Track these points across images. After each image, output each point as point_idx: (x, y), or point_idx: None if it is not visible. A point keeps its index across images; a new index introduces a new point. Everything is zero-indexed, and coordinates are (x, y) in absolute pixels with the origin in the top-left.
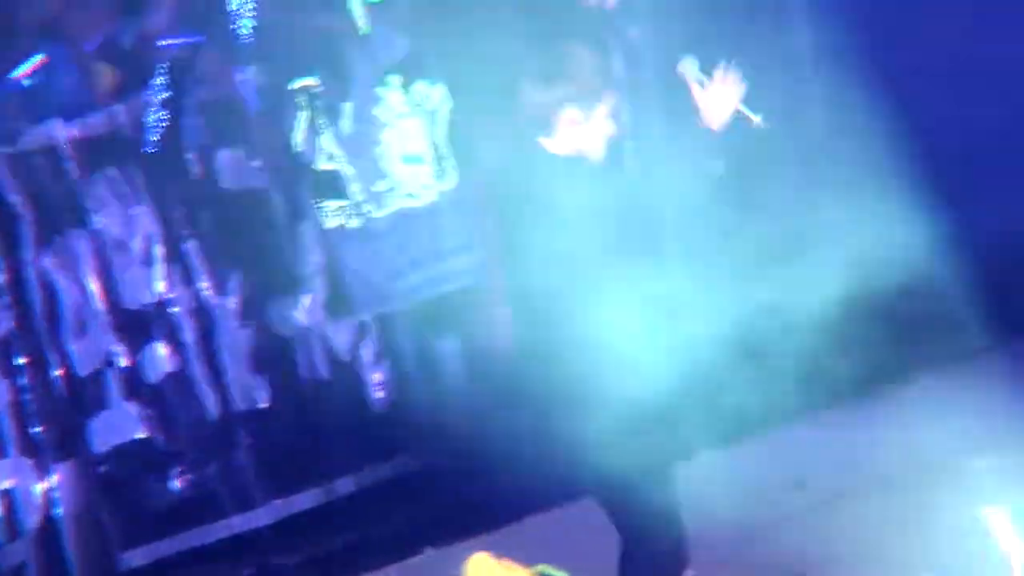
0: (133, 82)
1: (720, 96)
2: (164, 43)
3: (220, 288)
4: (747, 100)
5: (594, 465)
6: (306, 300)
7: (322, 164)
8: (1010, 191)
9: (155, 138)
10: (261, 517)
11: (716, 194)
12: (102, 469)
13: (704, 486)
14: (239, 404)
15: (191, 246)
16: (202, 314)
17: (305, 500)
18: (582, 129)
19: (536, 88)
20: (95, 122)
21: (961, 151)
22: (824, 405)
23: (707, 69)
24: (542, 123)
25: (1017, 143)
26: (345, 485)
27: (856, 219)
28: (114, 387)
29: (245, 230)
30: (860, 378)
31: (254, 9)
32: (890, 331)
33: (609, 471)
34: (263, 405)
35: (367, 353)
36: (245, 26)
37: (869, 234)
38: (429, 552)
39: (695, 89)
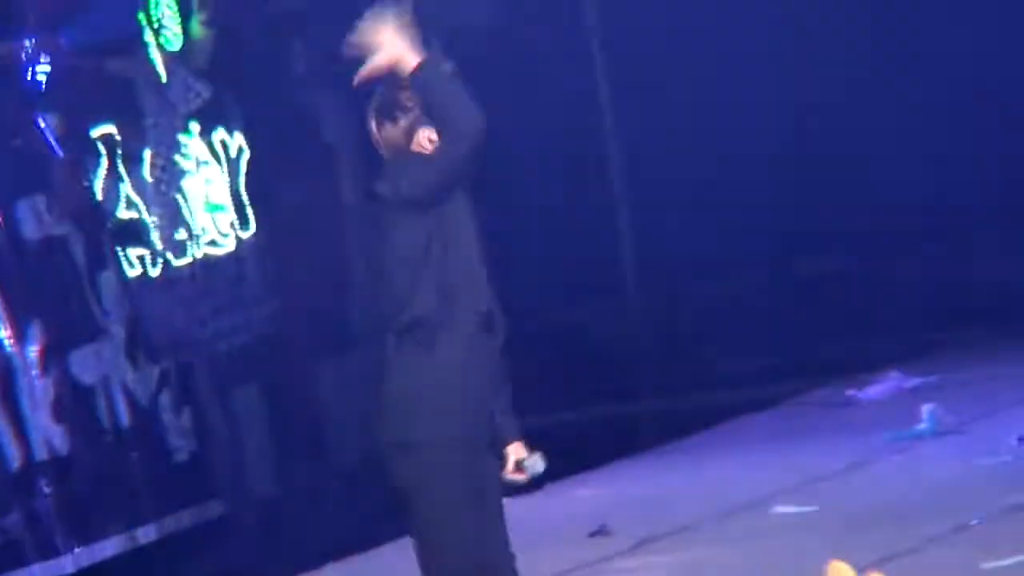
0: None
1: None
2: None
3: (21, 337)
4: None
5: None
6: (107, 348)
7: (123, 212)
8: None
9: None
10: (64, 565)
11: None
12: None
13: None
14: (40, 452)
15: None
16: (2, 362)
17: (108, 548)
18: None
19: (385, 123)
20: None
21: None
22: (628, 453)
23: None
24: (400, 151)
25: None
26: (147, 533)
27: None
28: None
29: (46, 278)
30: (663, 426)
31: (52, 56)
32: (692, 378)
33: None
34: (64, 453)
35: (168, 401)
36: (43, 73)
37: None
38: None
39: None
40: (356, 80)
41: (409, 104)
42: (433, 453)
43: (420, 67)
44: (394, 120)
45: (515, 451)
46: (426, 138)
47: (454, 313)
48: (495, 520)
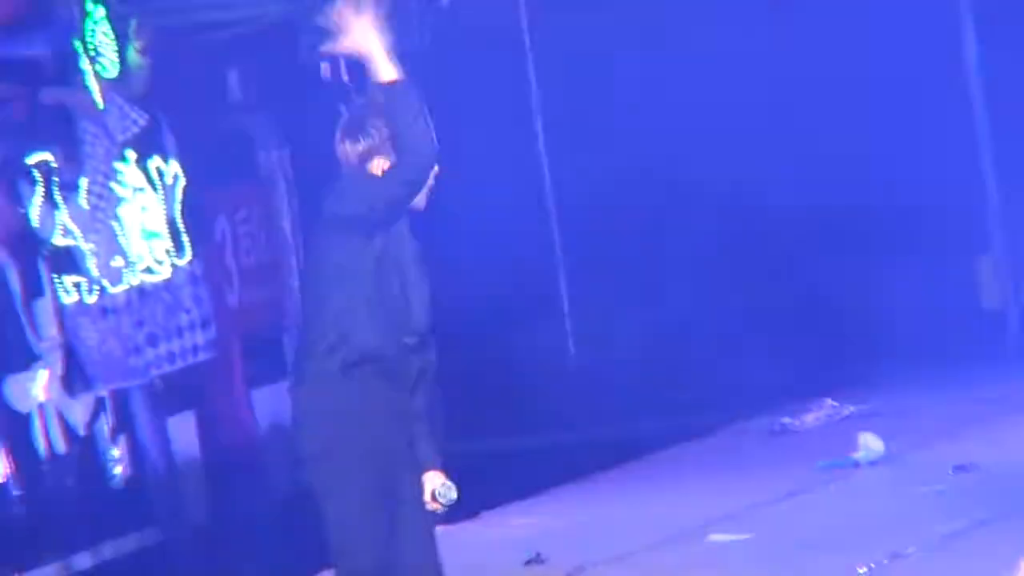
0: None
1: None
2: None
3: None
4: None
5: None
6: (42, 375)
7: (59, 239)
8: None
9: None
10: None
11: None
12: None
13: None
14: None
15: None
16: None
17: (43, 575)
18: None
19: (347, 140)
20: None
21: None
22: (563, 481)
23: None
24: (353, 171)
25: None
26: (82, 560)
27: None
28: None
29: None
30: (598, 454)
31: None
32: (627, 406)
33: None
34: None
35: (104, 428)
36: None
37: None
38: None
39: None
40: (321, 50)
41: (374, 131)
42: (334, 465)
43: (396, 84)
44: (355, 140)
45: (430, 480)
46: (380, 167)
47: (388, 346)
48: (405, 534)
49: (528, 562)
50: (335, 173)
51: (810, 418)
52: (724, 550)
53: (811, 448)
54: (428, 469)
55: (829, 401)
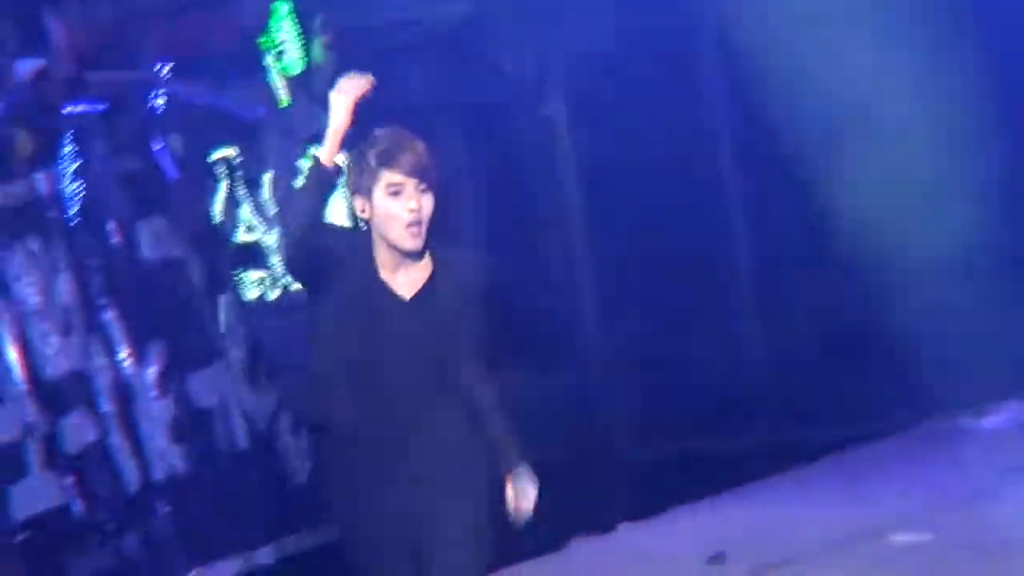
0: (47, 149)
1: None
2: (68, 110)
3: (139, 358)
4: None
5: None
6: (224, 371)
7: (242, 235)
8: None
9: (74, 207)
10: None
11: None
12: (21, 538)
13: (619, 559)
14: (158, 474)
15: (110, 316)
16: (121, 384)
17: (225, 570)
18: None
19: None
20: (13, 191)
21: None
22: (745, 482)
23: None
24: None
25: None
26: (265, 555)
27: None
28: (33, 456)
29: (164, 300)
30: (774, 455)
31: (171, 78)
32: (801, 410)
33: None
34: (182, 474)
35: (287, 423)
36: (161, 95)
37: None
38: None
39: None
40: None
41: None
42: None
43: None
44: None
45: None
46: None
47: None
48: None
49: (711, 560)
50: (518, 174)
51: (994, 420)
52: (905, 551)
53: (994, 450)
54: (510, 469)
55: (1013, 403)
